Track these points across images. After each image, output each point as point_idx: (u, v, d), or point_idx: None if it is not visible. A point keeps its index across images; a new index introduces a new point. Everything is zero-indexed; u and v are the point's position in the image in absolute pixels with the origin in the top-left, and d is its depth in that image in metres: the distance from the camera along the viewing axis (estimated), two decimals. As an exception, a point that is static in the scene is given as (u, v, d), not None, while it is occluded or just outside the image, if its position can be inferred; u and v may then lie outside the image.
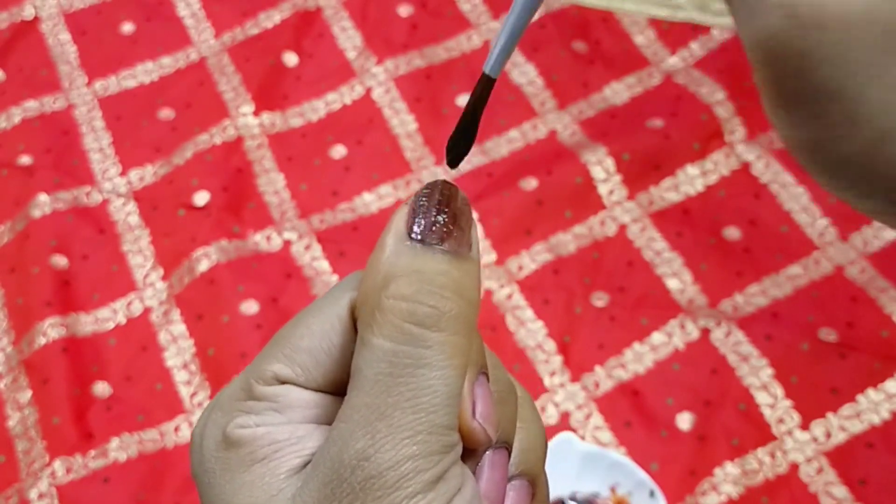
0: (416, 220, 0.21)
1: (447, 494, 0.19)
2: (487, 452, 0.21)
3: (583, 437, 0.63)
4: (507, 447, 0.22)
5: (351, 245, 0.72)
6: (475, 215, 0.21)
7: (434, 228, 0.21)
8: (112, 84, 0.82)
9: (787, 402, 0.63)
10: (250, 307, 0.69)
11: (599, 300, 0.68)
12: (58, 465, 0.64)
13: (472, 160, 0.75)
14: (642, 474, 0.59)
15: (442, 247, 0.20)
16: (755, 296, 0.67)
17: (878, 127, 0.17)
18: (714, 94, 0.75)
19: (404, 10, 0.83)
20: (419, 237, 0.21)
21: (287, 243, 0.72)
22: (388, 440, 0.19)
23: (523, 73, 0.79)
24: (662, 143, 0.74)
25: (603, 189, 0.72)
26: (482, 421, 0.21)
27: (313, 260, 0.71)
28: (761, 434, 0.62)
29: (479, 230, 0.21)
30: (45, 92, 0.82)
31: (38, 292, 0.71)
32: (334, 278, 0.70)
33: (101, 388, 0.67)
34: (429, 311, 0.20)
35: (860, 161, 0.18)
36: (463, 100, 0.78)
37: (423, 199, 0.21)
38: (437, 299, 0.20)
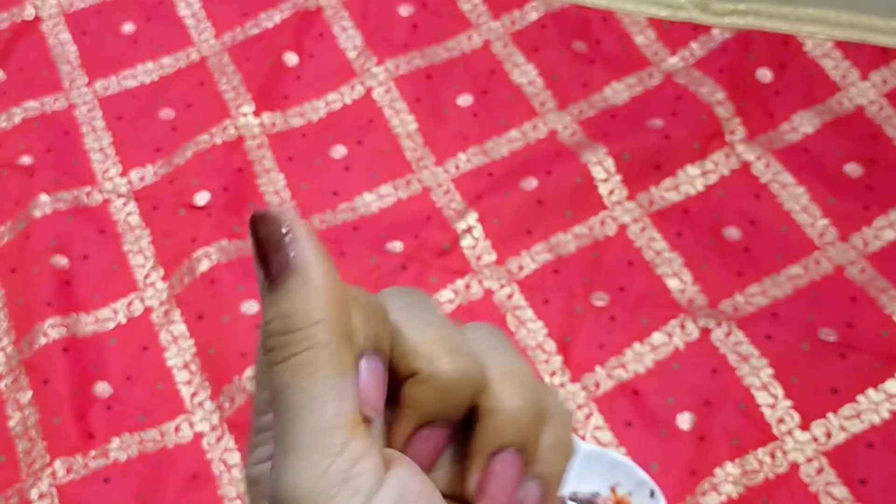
0: None
1: (358, 497, 0.20)
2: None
3: (583, 437, 0.63)
4: (379, 356, 0.22)
5: (351, 245, 0.72)
6: (296, 228, 0.21)
7: (255, 268, 0.22)
8: (112, 84, 0.82)
9: (787, 402, 0.63)
10: (251, 307, 0.69)
11: (599, 300, 0.68)
12: (58, 465, 0.64)
13: (473, 160, 0.75)
14: (642, 474, 0.59)
15: (263, 283, 0.22)
16: (755, 296, 0.67)
17: None
18: (714, 94, 0.75)
19: (405, 10, 0.83)
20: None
21: (287, 243, 0.72)
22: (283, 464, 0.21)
23: (523, 73, 0.79)
24: (662, 143, 0.74)
25: (603, 189, 0.72)
26: (364, 407, 0.21)
27: (314, 260, 0.71)
28: (761, 434, 0.62)
29: (301, 228, 0.20)
30: (46, 92, 0.82)
31: (38, 292, 0.71)
32: (335, 278, 0.70)
33: (102, 388, 0.67)
34: (265, 358, 0.21)
35: None
36: (463, 100, 0.78)
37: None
38: (264, 344, 0.21)
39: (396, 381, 0.23)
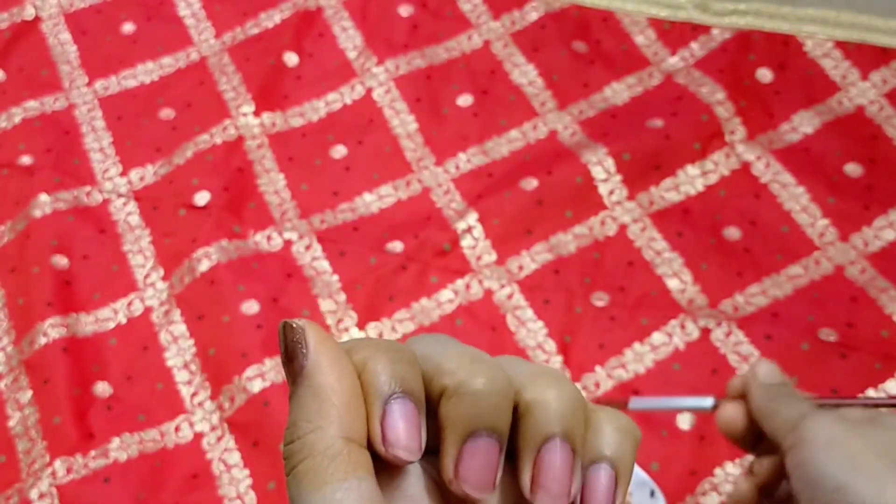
0: None
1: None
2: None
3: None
4: (408, 396, 0.22)
5: (351, 245, 0.72)
6: (308, 335, 0.22)
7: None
8: (112, 84, 0.82)
9: (787, 402, 0.63)
10: (251, 307, 0.69)
11: (600, 300, 0.68)
12: (58, 464, 0.64)
13: (473, 160, 0.75)
14: (642, 474, 0.59)
15: (291, 386, 0.22)
16: (755, 296, 0.67)
17: None
18: (714, 94, 0.75)
19: (405, 10, 0.83)
20: None
21: (288, 243, 0.72)
22: None
23: (523, 73, 0.79)
24: (662, 143, 0.74)
25: (603, 189, 0.72)
26: (390, 447, 0.21)
27: (314, 260, 0.71)
28: (761, 434, 0.62)
29: (311, 336, 0.22)
30: (46, 92, 0.82)
31: (38, 292, 0.71)
32: (335, 278, 0.70)
33: (102, 388, 0.67)
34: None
35: None
36: (463, 100, 0.78)
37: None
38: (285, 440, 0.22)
39: (437, 418, 0.22)
